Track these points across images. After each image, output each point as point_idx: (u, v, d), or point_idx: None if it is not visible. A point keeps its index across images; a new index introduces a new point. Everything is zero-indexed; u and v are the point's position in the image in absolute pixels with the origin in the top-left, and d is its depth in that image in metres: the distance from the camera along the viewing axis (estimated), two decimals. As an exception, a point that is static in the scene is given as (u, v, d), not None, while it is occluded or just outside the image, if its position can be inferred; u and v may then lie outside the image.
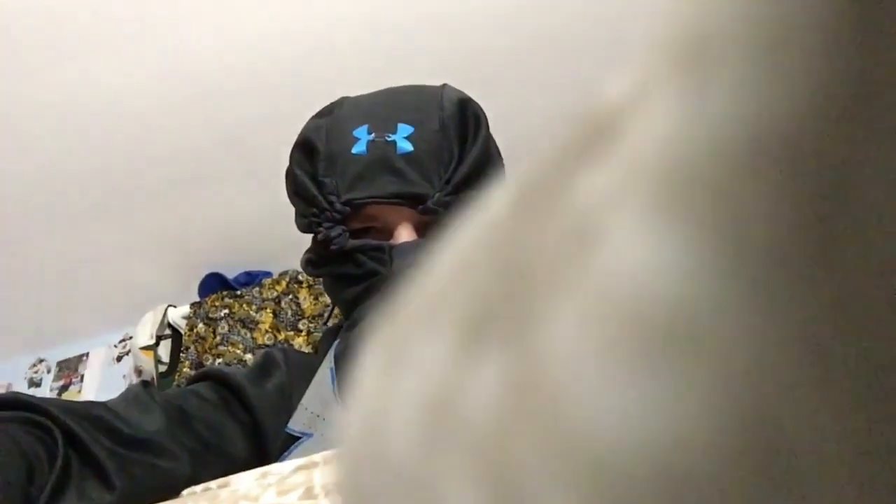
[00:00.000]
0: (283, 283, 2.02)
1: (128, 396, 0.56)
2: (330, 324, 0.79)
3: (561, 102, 1.46)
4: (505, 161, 0.70)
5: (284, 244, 2.08)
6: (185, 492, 0.47)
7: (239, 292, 2.04)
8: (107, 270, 2.06)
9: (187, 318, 2.07)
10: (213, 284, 2.09)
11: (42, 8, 1.37)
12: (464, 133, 0.64)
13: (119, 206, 1.83)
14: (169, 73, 1.52)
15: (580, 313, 0.08)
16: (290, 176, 0.66)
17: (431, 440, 0.09)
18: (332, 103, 0.69)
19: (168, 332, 2.11)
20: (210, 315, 2.03)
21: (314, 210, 0.63)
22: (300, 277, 2.01)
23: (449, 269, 0.11)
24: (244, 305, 2.01)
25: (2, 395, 0.48)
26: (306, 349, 1.78)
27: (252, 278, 2.10)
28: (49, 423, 0.45)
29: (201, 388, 0.64)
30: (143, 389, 0.58)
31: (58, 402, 0.49)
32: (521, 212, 0.10)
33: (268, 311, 1.99)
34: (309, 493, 0.32)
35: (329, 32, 1.45)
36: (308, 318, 1.95)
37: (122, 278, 2.10)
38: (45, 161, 1.68)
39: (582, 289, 0.08)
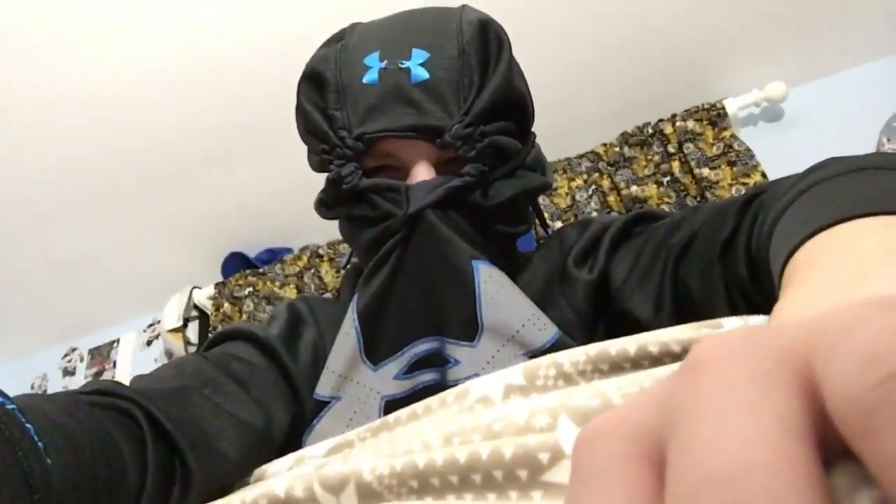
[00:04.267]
0: (305, 259, 2.02)
1: (206, 377, 0.51)
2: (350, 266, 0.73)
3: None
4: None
5: (303, 220, 2.07)
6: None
7: (262, 270, 2.04)
8: (131, 256, 2.07)
9: (212, 298, 2.08)
10: (236, 264, 2.10)
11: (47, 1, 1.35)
12: (485, 58, 0.57)
13: (136, 192, 1.83)
14: (179, 55, 1.50)
15: None
16: (299, 110, 0.60)
17: None
18: (342, 29, 0.62)
19: (195, 313, 2.13)
20: (235, 294, 2.04)
21: (325, 146, 0.57)
22: (321, 252, 2.01)
23: None
24: (267, 283, 2.02)
25: (94, 381, 0.44)
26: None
27: (273, 255, 2.10)
28: (137, 411, 0.41)
29: (240, 350, 0.57)
30: (207, 362, 0.53)
31: (145, 391, 0.44)
32: None
33: (291, 286, 1.99)
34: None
35: (346, 6, 1.41)
36: (331, 291, 1.95)
37: (146, 263, 2.11)
38: (63, 151, 1.68)
39: None
